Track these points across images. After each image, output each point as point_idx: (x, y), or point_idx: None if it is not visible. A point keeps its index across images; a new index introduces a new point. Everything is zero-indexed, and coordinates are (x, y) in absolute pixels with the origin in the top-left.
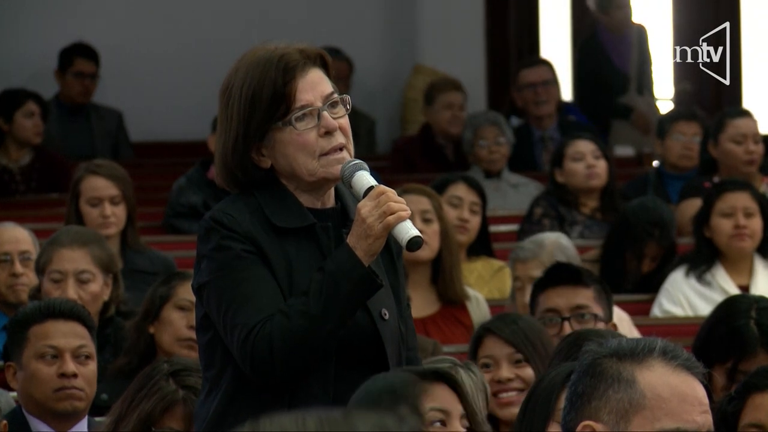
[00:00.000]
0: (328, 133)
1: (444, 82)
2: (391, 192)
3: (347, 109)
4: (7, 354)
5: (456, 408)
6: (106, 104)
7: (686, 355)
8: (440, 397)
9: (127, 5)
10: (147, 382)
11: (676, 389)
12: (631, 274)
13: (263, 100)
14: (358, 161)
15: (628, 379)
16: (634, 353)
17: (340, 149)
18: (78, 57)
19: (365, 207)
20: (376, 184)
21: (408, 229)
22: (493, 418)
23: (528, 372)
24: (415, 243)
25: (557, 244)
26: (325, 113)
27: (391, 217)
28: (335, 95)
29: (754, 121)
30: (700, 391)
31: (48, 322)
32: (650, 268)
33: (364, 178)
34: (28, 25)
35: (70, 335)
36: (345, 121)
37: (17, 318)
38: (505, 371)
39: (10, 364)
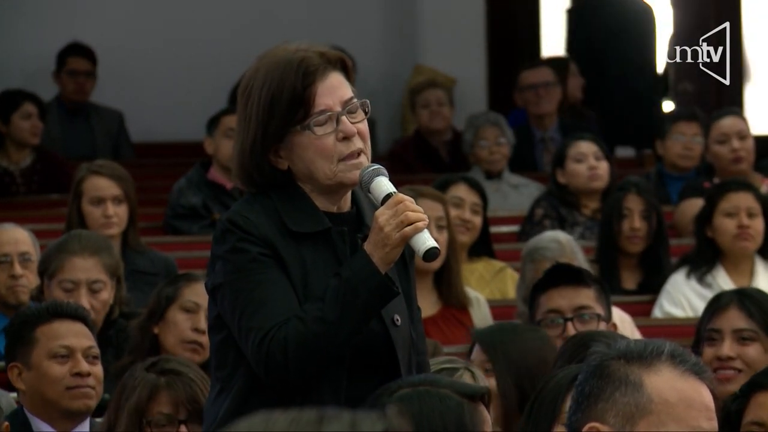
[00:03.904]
0: (347, 138)
1: (421, 84)
2: (410, 201)
3: (366, 114)
4: (10, 355)
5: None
6: (106, 105)
7: (694, 360)
8: (488, 420)
9: (126, 6)
10: (127, 381)
11: (683, 394)
12: (624, 241)
13: (282, 103)
14: (377, 167)
15: (635, 383)
16: (642, 356)
17: (358, 154)
18: (71, 56)
19: (383, 215)
20: (395, 191)
21: (425, 240)
22: None
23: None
24: (432, 254)
25: (570, 240)
26: (344, 118)
27: (408, 228)
28: (355, 100)
29: (739, 119)
30: (707, 397)
31: (56, 322)
32: (642, 227)
33: (383, 185)
34: (26, 26)
35: (80, 335)
36: (363, 126)
37: (21, 319)
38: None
39: (15, 365)
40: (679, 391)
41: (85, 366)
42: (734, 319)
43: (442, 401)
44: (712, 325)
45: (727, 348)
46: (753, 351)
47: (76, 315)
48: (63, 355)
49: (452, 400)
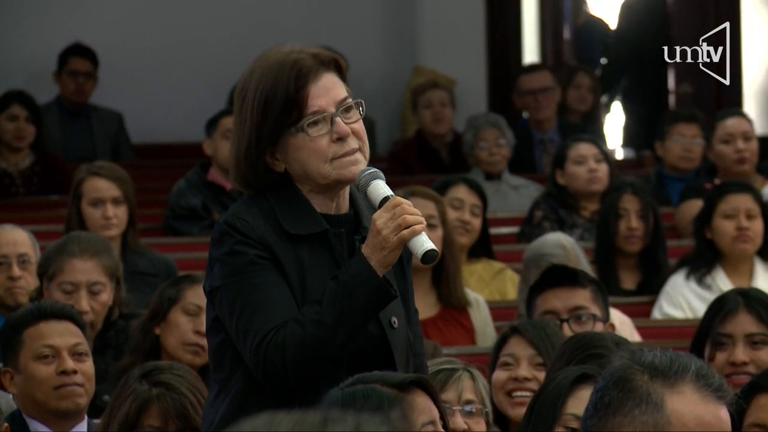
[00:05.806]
0: (341, 138)
1: (423, 85)
2: (407, 203)
3: (361, 113)
4: (3, 360)
5: (435, 411)
6: (106, 106)
7: (718, 382)
8: (425, 408)
9: (126, 7)
10: (122, 390)
11: (702, 421)
12: (622, 241)
13: (276, 106)
14: (374, 170)
15: (656, 402)
16: (667, 374)
17: (353, 152)
18: (72, 56)
19: (380, 218)
20: (392, 194)
21: (423, 242)
22: (503, 419)
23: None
24: (430, 257)
25: (574, 244)
26: (338, 119)
27: (405, 231)
28: (349, 100)
29: (744, 120)
30: (726, 422)
31: (41, 323)
32: (639, 227)
33: (380, 188)
34: (27, 27)
35: (65, 334)
36: (359, 126)
37: (10, 323)
38: (524, 370)
39: (6, 370)
40: (698, 417)
41: (70, 364)
42: (745, 323)
43: (366, 398)
44: (722, 329)
45: (741, 353)
46: (765, 355)
47: (62, 314)
48: (48, 356)
49: (375, 395)
